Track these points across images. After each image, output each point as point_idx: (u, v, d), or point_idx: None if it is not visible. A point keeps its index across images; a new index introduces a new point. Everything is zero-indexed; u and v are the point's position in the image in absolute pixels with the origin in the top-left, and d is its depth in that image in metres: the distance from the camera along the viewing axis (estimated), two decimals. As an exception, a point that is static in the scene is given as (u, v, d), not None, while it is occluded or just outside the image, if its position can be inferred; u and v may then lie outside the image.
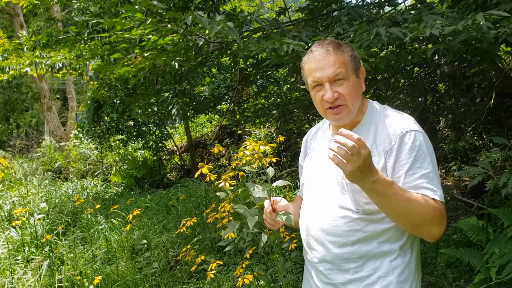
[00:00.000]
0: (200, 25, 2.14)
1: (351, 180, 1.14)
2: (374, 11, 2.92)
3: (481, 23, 1.61)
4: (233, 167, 1.90)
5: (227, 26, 1.96)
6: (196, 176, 1.91)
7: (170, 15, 2.00)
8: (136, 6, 1.95)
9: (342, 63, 1.27)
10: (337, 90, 1.26)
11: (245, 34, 3.05)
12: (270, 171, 1.61)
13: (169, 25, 2.04)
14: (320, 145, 1.47)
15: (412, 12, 2.28)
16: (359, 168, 1.09)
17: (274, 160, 1.66)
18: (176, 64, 2.49)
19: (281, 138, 2.38)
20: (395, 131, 1.27)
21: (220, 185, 1.66)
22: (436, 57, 3.02)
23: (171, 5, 3.34)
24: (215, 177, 1.72)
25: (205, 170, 1.65)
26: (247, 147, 1.66)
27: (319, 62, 1.28)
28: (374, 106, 1.38)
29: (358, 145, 1.07)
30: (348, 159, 1.09)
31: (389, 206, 1.19)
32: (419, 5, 2.48)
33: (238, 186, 1.89)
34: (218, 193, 1.81)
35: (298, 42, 1.94)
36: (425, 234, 1.24)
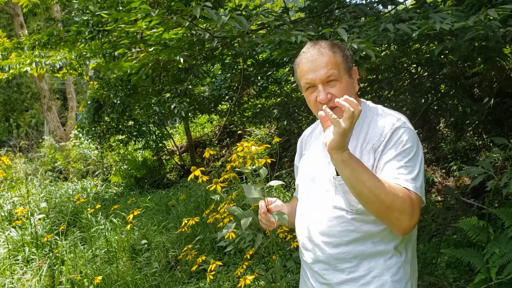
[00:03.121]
0: (204, 20, 2.12)
1: (333, 147, 1.15)
2: (375, 10, 2.93)
3: (490, 20, 1.59)
4: (228, 169, 1.90)
5: (236, 18, 1.94)
6: (189, 179, 1.92)
7: (177, 6, 1.98)
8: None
9: (334, 64, 1.27)
10: (330, 91, 1.27)
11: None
12: (263, 171, 1.61)
13: (174, 17, 2.03)
14: (314, 146, 1.47)
15: (418, 10, 2.27)
16: (350, 130, 1.12)
17: (269, 161, 1.67)
18: (181, 59, 2.47)
19: (277, 139, 2.40)
20: (385, 128, 1.27)
21: (211, 189, 1.67)
22: (443, 55, 3.01)
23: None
24: (207, 178, 1.72)
25: (197, 172, 1.66)
26: (240, 149, 1.66)
27: (312, 63, 1.28)
28: (367, 106, 1.38)
29: (353, 107, 1.11)
30: (346, 117, 1.11)
31: (360, 183, 1.16)
32: (424, 5, 2.48)
33: (234, 188, 1.90)
34: (212, 196, 1.82)
35: (305, 33, 1.93)
36: (395, 222, 1.19)
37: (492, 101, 3.71)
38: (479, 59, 2.40)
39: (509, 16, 1.69)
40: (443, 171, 5.10)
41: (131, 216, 2.76)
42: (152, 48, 2.36)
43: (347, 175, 1.18)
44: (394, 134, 1.25)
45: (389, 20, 2.03)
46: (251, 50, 2.25)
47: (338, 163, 1.17)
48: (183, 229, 2.45)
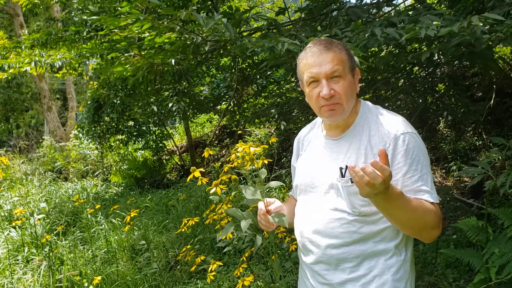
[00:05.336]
0: (196, 23, 2.14)
1: (364, 196, 1.13)
2: (374, 11, 2.92)
3: (475, 26, 1.61)
4: (225, 170, 1.89)
5: (223, 23, 1.96)
6: (188, 180, 1.92)
7: (165, 11, 2.01)
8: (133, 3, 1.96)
9: (340, 60, 1.26)
10: (333, 88, 1.26)
11: (244, 34, 3.05)
12: (263, 172, 1.61)
13: (165, 22, 2.04)
14: (312, 146, 1.47)
15: (410, 13, 2.28)
16: (375, 194, 1.09)
17: (265, 161, 1.66)
18: (173, 61, 2.48)
19: (274, 139, 2.40)
20: (389, 133, 1.26)
21: (211, 192, 1.66)
22: (436, 56, 3.02)
23: (169, 4, 3.34)
24: (207, 181, 1.72)
25: (197, 174, 1.65)
26: (239, 150, 1.65)
27: (317, 58, 1.27)
28: (367, 106, 1.38)
29: (371, 179, 1.04)
30: (366, 186, 1.06)
31: (395, 215, 1.19)
32: (417, 5, 2.48)
33: (232, 189, 1.89)
34: (211, 197, 1.81)
35: (293, 42, 1.94)
36: (425, 237, 1.24)
37: (492, 101, 3.71)
38: (472, 63, 2.41)
39: (495, 21, 1.70)
40: (443, 171, 5.09)
41: (128, 217, 2.76)
42: (145, 52, 2.37)
43: (381, 209, 1.19)
44: (399, 141, 1.24)
45: (379, 23, 2.03)
46: (243, 53, 2.25)
47: (373, 202, 1.17)
48: (183, 230, 2.45)
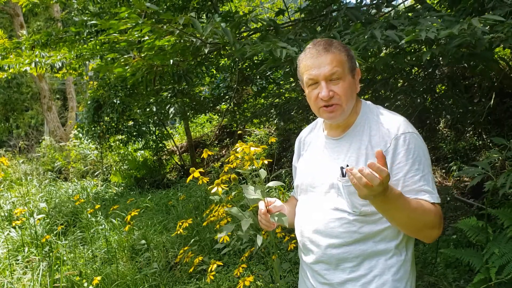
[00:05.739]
0: (193, 28, 2.15)
1: (362, 198, 1.12)
2: (374, 11, 2.92)
3: (476, 27, 1.61)
4: (226, 170, 1.89)
5: (221, 27, 1.97)
6: (188, 181, 1.92)
7: (164, 16, 2.02)
8: (132, 8, 1.97)
9: (339, 62, 1.26)
10: (333, 89, 1.26)
11: (244, 34, 3.05)
12: (263, 172, 1.61)
13: (164, 26, 2.06)
14: (314, 146, 1.47)
15: (410, 14, 2.28)
16: (374, 196, 1.08)
17: (266, 161, 1.67)
18: (171, 61, 2.49)
19: (273, 139, 2.40)
20: (389, 132, 1.26)
21: (212, 192, 1.66)
22: (435, 58, 3.03)
23: (169, 5, 3.34)
24: (207, 180, 1.72)
25: (196, 174, 1.65)
26: (238, 150, 1.65)
27: (316, 59, 1.27)
28: (367, 106, 1.38)
29: (369, 180, 1.03)
30: (364, 188, 1.06)
31: (394, 216, 1.19)
32: (417, 5, 2.48)
33: (232, 189, 1.89)
34: (211, 197, 1.81)
35: (291, 48, 1.95)
36: (425, 237, 1.24)
37: (492, 101, 3.71)
38: (472, 64, 2.41)
39: (495, 22, 1.70)
40: (443, 171, 5.09)
41: (129, 217, 2.76)
42: (144, 54, 2.38)
43: (380, 211, 1.18)
44: (400, 140, 1.24)
45: (379, 25, 2.03)
46: (242, 55, 2.26)
47: (372, 204, 1.17)
48: (179, 231, 2.45)
